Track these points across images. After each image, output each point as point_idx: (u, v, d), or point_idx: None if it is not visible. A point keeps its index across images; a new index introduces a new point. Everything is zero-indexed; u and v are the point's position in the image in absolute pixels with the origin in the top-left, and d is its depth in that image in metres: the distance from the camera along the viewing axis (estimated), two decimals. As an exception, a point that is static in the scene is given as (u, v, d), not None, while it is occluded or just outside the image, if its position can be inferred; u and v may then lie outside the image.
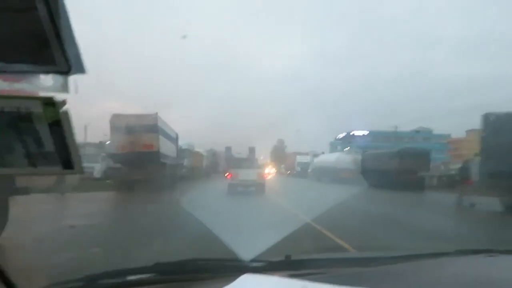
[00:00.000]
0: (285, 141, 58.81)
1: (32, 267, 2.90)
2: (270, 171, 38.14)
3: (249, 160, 16.79)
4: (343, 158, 25.34)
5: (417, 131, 40.49)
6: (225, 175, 14.95)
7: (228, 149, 37.28)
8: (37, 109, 0.52)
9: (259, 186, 13.45)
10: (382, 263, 1.25)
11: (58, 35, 0.45)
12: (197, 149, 28.88)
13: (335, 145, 40.47)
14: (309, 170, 33.37)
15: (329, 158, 28.31)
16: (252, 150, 33.47)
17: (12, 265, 0.76)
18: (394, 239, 5.16)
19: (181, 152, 21.15)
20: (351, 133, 39.65)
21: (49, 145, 0.57)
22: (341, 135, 41.81)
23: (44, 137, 0.56)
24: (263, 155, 48.10)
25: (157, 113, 14.64)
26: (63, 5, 0.44)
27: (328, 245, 4.66)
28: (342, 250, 4.27)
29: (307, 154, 41.00)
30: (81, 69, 0.50)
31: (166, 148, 15.73)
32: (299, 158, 40.21)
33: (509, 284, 1.02)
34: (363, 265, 1.26)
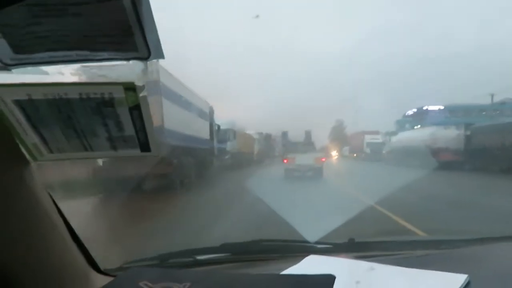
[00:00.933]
0: (344, 122, 57.16)
1: (109, 246, 3.29)
2: (331, 154, 37.05)
3: (306, 144, 17.20)
4: (441, 135, 20.45)
5: (502, 103, 36.35)
6: (283, 160, 15.38)
7: (285, 133, 37.02)
8: (119, 94, 0.60)
9: (316, 171, 13.88)
10: (453, 246, 1.24)
11: (140, 23, 0.51)
12: (246, 131, 25.49)
13: (403, 123, 37.46)
14: (383, 152, 29.05)
15: (418, 135, 23.00)
16: (308, 134, 33.14)
17: (92, 244, 0.89)
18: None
19: (221, 133, 17.81)
20: (423, 108, 36.84)
21: (129, 128, 0.64)
22: (410, 112, 38.96)
23: (125, 121, 0.64)
24: (321, 137, 47.21)
25: (158, 61, 8.55)
26: None
27: (394, 229, 4.58)
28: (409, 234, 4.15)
29: (377, 133, 37.19)
30: (160, 55, 0.57)
31: (181, 122, 10.54)
32: (369, 138, 36.28)
33: None
34: (432, 247, 1.26)
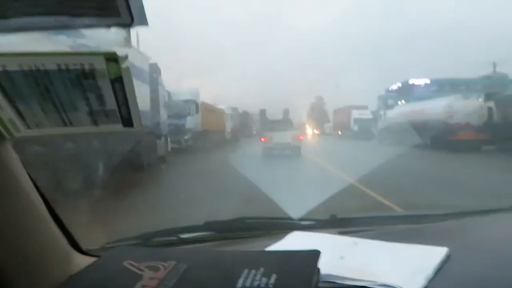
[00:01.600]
0: (324, 98, 57.46)
1: (91, 225, 3.26)
2: (310, 132, 37.06)
3: (283, 123, 17.76)
4: (461, 106, 16.70)
5: (488, 77, 37.07)
6: (260, 138, 15.93)
7: (263, 111, 36.93)
8: (100, 65, 0.59)
9: (294, 149, 14.48)
10: (433, 220, 1.33)
11: None
12: (218, 105, 22.23)
13: (385, 99, 36.98)
14: (376, 129, 26.12)
15: (426, 107, 18.91)
16: (286, 112, 33.41)
17: (73, 223, 0.89)
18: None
19: (176, 106, 14.71)
20: (409, 83, 37.16)
21: (111, 102, 0.64)
22: (394, 86, 39.01)
23: (106, 95, 0.63)
24: (301, 115, 47.21)
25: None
26: None
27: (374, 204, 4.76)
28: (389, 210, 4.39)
29: (366, 107, 34.72)
30: (143, 21, 0.56)
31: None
32: (356, 114, 33.54)
33: None
34: (412, 222, 1.35)
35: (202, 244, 1.22)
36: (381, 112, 26.69)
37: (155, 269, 0.79)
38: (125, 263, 0.81)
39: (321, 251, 0.85)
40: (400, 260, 0.94)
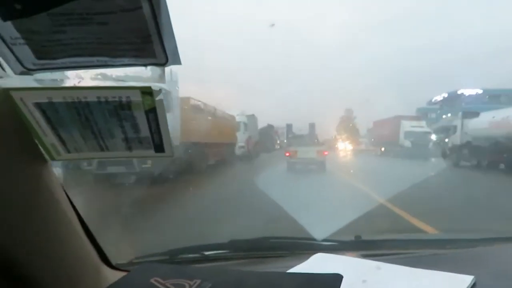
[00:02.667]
0: (354, 111, 56.06)
1: (120, 241, 3.42)
2: (341, 148, 35.99)
3: (308, 137, 18.69)
4: None
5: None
6: (285, 154, 16.55)
7: (289, 126, 37.22)
8: (137, 97, 0.70)
9: (318, 164, 15.16)
10: (460, 246, 1.35)
11: (159, 31, 0.60)
12: (226, 111, 17.29)
13: (425, 112, 34.59)
14: (450, 145, 19.58)
15: None
16: (312, 126, 33.70)
17: (104, 238, 0.99)
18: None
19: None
20: (457, 93, 35.68)
21: (145, 130, 0.75)
22: (438, 97, 37.19)
23: (141, 123, 0.74)
24: (329, 129, 47.27)
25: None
26: (164, 3, 0.58)
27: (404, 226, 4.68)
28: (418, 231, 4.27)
29: (419, 119, 28.73)
30: (177, 61, 0.66)
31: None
32: (408, 126, 26.16)
33: None
34: (439, 247, 1.37)
35: (226, 262, 1.30)
36: (456, 123, 20.47)
37: (181, 287, 0.88)
38: (152, 280, 0.90)
39: (343, 274, 0.90)
40: (423, 287, 0.98)
